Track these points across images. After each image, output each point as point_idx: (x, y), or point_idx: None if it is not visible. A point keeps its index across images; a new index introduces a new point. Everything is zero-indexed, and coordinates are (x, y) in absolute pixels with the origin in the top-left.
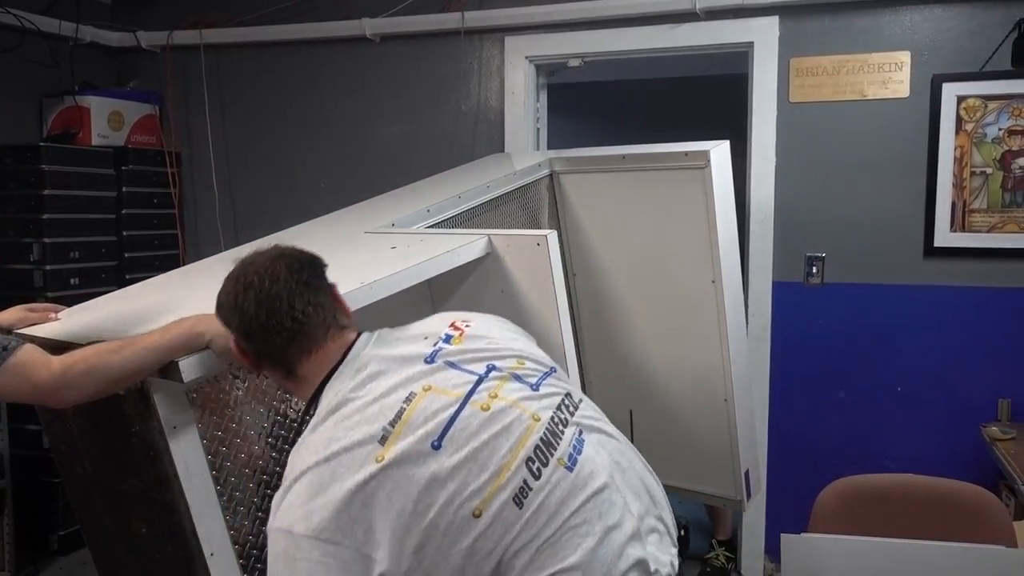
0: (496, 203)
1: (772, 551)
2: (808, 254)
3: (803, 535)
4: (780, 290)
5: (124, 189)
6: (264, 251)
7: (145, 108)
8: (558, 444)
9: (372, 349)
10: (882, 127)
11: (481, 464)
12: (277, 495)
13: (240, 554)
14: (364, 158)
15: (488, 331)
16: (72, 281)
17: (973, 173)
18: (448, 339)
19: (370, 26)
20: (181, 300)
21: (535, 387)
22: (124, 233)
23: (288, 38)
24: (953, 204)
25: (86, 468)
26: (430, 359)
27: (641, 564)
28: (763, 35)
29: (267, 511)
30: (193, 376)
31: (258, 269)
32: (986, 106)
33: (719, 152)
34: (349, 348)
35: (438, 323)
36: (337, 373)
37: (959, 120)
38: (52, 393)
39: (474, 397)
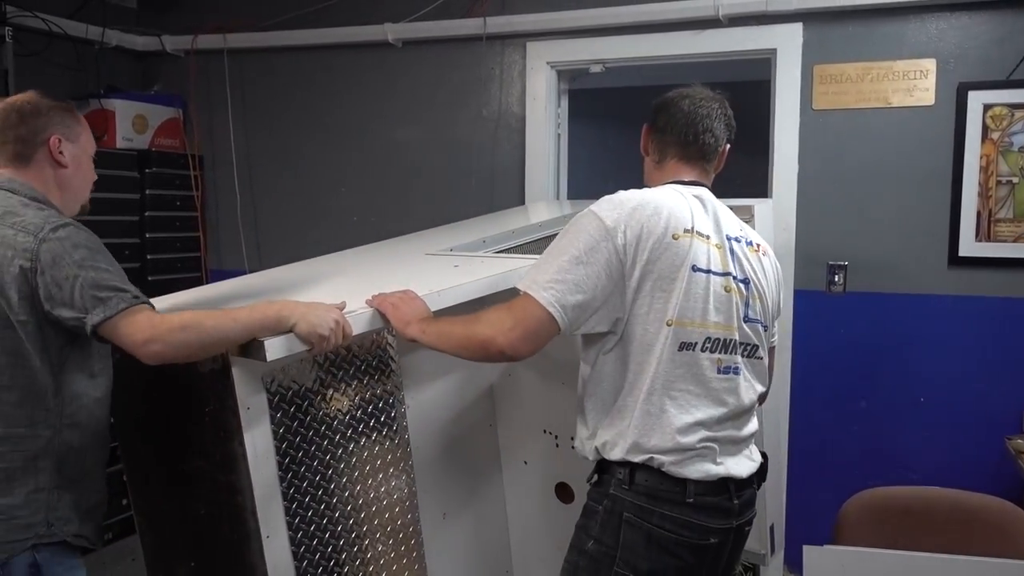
0: (546, 243)
1: (793, 563)
2: (830, 262)
3: (826, 547)
4: (802, 298)
5: (147, 192)
6: None
7: (169, 111)
8: None
9: None
10: (907, 135)
11: None
12: None
13: (292, 540)
14: (385, 162)
15: None
16: None
17: (999, 182)
18: None
19: (392, 31)
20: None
21: None
22: (147, 235)
23: (311, 43)
24: (978, 213)
25: (149, 450)
26: None
27: None
28: (786, 42)
29: (322, 501)
30: (276, 356)
31: None
32: (1012, 115)
33: (763, 209)
34: None
35: None
36: None
37: (985, 129)
38: (144, 344)
39: None
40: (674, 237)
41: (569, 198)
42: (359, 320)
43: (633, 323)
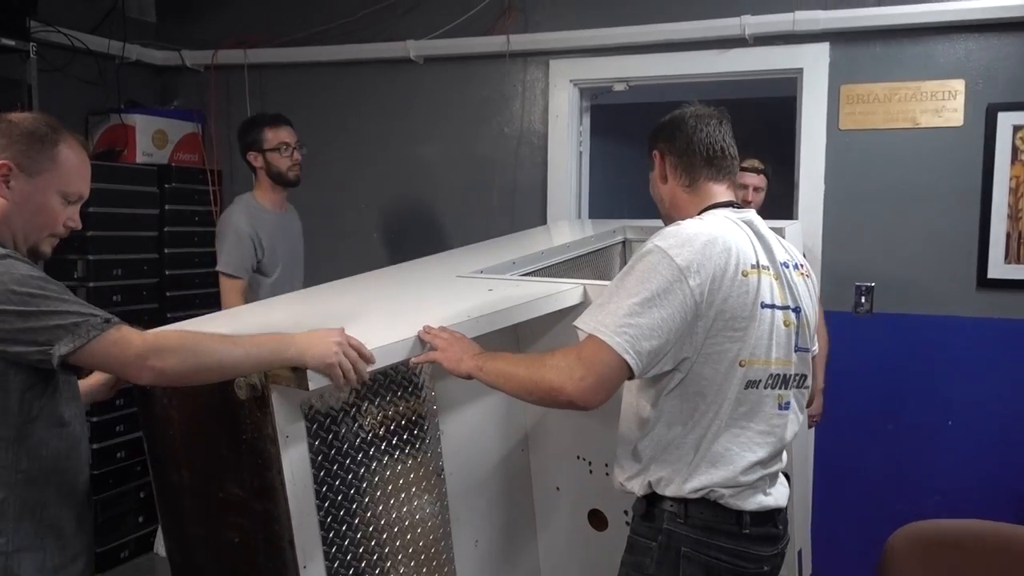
0: (574, 264)
1: None
2: (857, 283)
3: None
4: (828, 319)
5: (167, 207)
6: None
7: (188, 126)
8: None
9: None
10: (935, 156)
11: None
12: None
13: (329, 570)
14: (405, 179)
15: None
16: (114, 298)
17: None
18: None
19: (415, 48)
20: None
21: None
22: (166, 251)
23: (332, 59)
24: (1008, 235)
25: (182, 476)
26: None
27: None
28: (813, 61)
29: (358, 529)
30: (319, 384)
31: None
32: None
33: (793, 231)
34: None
35: None
36: None
37: (1015, 150)
38: (138, 360)
39: None
40: (743, 274)
41: (590, 217)
42: (397, 349)
43: (702, 363)
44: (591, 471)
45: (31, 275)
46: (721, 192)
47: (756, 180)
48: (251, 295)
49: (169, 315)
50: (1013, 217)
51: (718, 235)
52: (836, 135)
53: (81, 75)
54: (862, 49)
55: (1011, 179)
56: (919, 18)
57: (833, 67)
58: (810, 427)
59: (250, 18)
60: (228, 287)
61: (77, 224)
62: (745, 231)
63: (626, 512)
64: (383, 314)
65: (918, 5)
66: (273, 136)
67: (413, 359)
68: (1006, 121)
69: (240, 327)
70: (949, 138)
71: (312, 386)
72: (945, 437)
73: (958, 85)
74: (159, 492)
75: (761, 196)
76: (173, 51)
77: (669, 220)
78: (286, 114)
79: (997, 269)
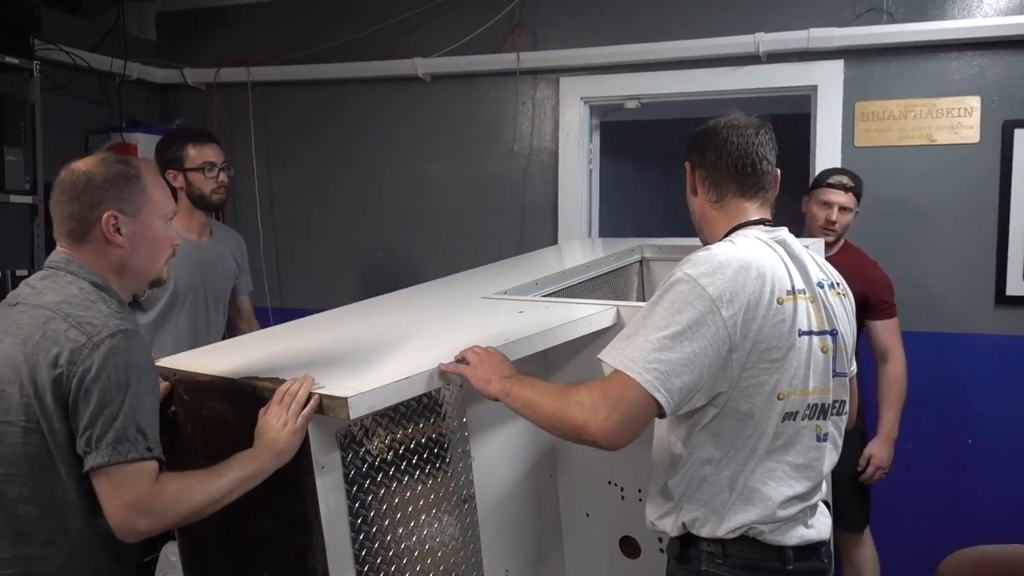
0: (592, 284)
1: None
2: None
3: None
4: None
5: None
6: None
7: None
8: None
9: None
10: (952, 173)
11: None
12: None
13: None
14: (412, 198)
15: None
16: None
17: None
18: None
19: (423, 66)
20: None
21: None
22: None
23: (338, 76)
24: None
25: None
26: None
27: None
28: (827, 79)
29: (392, 562)
30: (360, 413)
31: None
32: None
33: (815, 248)
34: None
35: None
36: None
37: None
38: (132, 514)
39: None
40: (779, 302)
41: (600, 235)
42: (406, 385)
43: (737, 397)
44: (623, 496)
45: (138, 363)
46: (752, 210)
47: (844, 199)
48: None
49: None
50: None
51: (751, 261)
52: (851, 152)
53: (82, 93)
54: (877, 66)
55: None
56: (933, 35)
57: (848, 84)
58: (873, 480)
59: (253, 36)
60: None
61: (179, 238)
62: (779, 253)
63: (660, 539)
64: (415, 339)
65: (932, 23)
66: (197, 154)
67: (441, 366)
68: (1022, 138)
69: (237, 356)
70: (966, 155)
71: (353, 415)
72: (965, 455)
73: (974, 102)
74: (181, 530)
75: (849, 217)
76: (175, 69)
77: (700, 233)
78: (290, 132)
79: (1015, 286)
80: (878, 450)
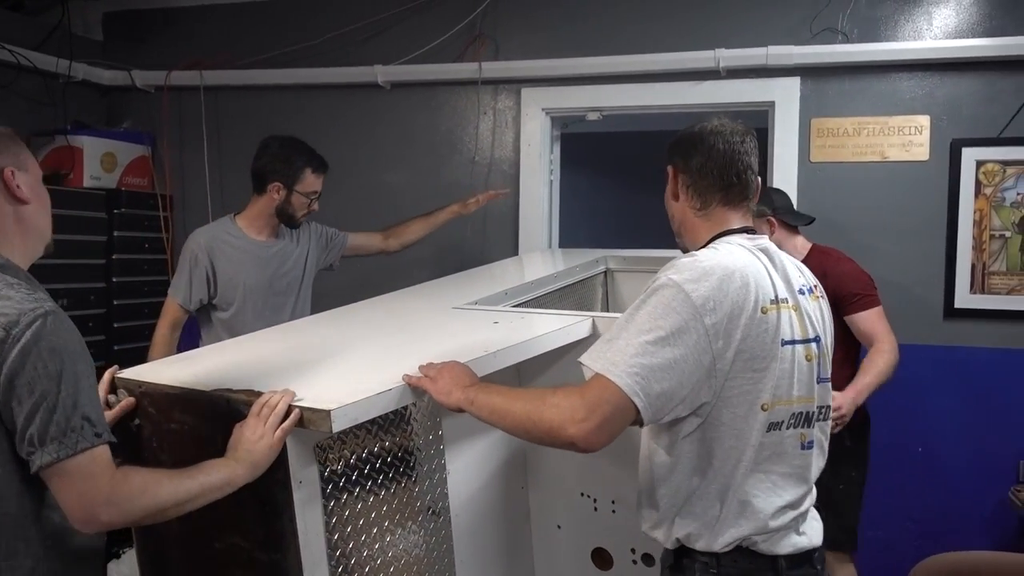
0: (559, 294)
1: None
2: None
3: None
4: None
5: (116, 233)
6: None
7: (138, 149)
8: None
9: None
10: (902, 189)
11: None
12: None
13: None
14: (370, 207)
15: None
16: None
17: (992, 236)
18: None
19: (383, 73)
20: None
21: None
22: (114, 279)
23: (295, 82)
24: (973, 266)
25: (171, 526)
26: None
27: None
28: (784, 95)
29: None
30: (344, 426)
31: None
32: (1004, 171)
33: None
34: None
35: None
36: None
37: (978, 184)
38: (98, 506)
39: None
40: (763, 311)
41: (560, 246)
42: (388, 398)
43: (720, 407)
44: (596, 508)
45: (68, 347)
46: (736, 218)
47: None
48: (208, 330)
49: (116, 347)
50: (977, 249)
51: (736, 269)
52: (807, 167)
53: (26, 94)
54: (832, 84)
55: (975, 212)
56: (885, 55)
57: (804, 100)
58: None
59: (204, 38)
60: (163, 309)
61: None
62: (762, 261)
63: (632, 551)
64: (385, 352)
65: (884, 44)
66: (313, 182)
67: (406, 377)
68: (969, 156)
69: (204, 367)
70: (916, 172)
71: (336, 428)
72: (915, 463)
73: (924, 121)
74: (142, 546)
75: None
76: (122, 71)
77: (679, 239)
78: (243, 137)
79: (963, 299)
80: (841, 400)
